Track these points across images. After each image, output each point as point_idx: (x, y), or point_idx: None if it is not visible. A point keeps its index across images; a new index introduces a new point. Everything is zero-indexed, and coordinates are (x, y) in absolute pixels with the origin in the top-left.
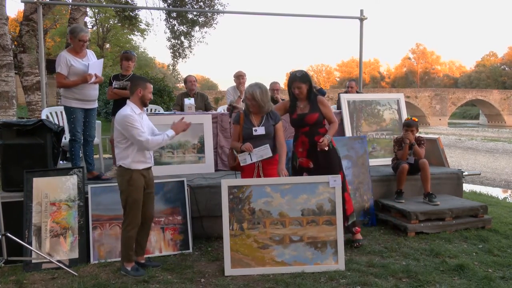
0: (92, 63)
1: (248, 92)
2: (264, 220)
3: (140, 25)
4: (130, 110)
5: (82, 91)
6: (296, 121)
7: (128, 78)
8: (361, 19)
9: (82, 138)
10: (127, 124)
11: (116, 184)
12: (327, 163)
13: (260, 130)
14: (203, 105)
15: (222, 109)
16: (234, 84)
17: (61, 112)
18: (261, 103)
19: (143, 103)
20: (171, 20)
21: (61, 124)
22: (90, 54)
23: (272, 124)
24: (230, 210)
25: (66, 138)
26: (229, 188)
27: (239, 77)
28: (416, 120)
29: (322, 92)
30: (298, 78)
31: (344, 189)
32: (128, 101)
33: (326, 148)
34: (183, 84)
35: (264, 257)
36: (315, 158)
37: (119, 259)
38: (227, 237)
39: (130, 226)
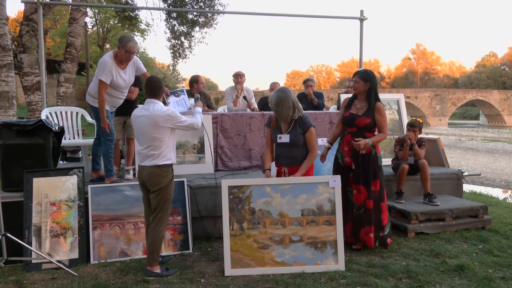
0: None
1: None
2: (264, 220)
3: (140, 26)
4: (163, 105)
5: (112, 99)
6: (347, 120)
7: None
8: (361, 20)
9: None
10: (172, 116)
11: (116, 184)
12: (365, 167)
13: (284, 138)
14: (206, 105)
15: (222, 109)
16: (233, 84)
17: (61, 112)
18: (277, 110)
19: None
20: (171, 20)
21: (61, 124)
22: (130, 66)
23: (300, 132)
24: (230, 210)
25: (66, 138)
26: (229, 188)
27: (237, 76)
28: (421, 121)
29: (318, 95)
30: (359, 73)
31: (382, 199)
32: (154, 100)
33: (361, 151)
34: (183, 85)
35: (264, 257)
36: (356, 159)
37: (119, 259)
38: (227, 237)
39: (163, 226)
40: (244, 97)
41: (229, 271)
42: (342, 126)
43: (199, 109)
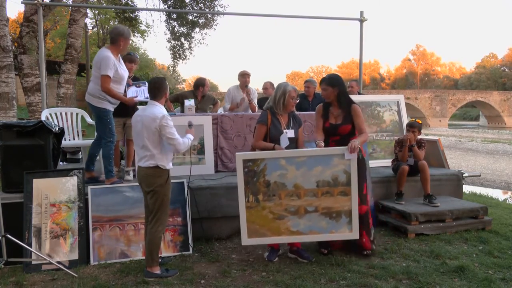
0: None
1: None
2: (279, 192)
3: (141, 27)
4: (163, 109)
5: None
6: (329, 130)
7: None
8: (361, 21)
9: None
10: (165, 124)
11: (116, 185)
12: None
13: (290, 133)
14: (208, 108)
15: (221, 110)
16: (237, 83)
17: (61, 113)
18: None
19: (164, 105)
20: (171, 21)
21: (61, 125)
22: (120, 59)
23: (297, 128)
24: (246, 183)
25: (66, 139)
26: (243, 162)
27: (245, 76)
28: (420, 122)
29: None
30: (326, 80)
31: (364, 201)
32: (154, 102)
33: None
34: (183, 86)
35: (279, 227)
36: None
37: (119, 260)
38: (243, 209)
39: (161, 227)
40: (246, 86)
41: (246, 240)
42: (323, 134)
43: (191, 136)
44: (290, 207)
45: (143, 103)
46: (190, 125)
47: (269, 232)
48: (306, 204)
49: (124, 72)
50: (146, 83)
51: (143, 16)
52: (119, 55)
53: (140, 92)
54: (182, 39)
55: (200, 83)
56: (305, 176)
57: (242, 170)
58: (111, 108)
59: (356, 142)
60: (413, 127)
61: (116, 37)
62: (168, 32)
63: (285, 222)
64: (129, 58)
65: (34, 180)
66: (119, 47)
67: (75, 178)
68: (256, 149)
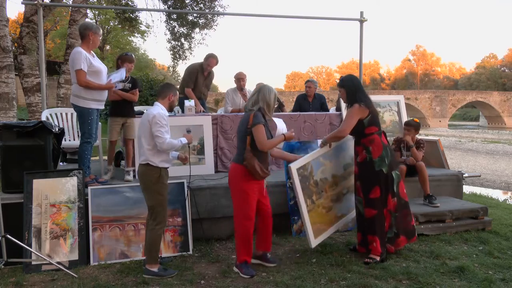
0: (116, 75)
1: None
2: (325, 187)
3: (141, 27)
4: (161, 109)
5: (100, 92)
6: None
7: (130, 80)
8: (361, 21)
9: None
10: (157, 122)
11: (116, 186)
12: (361, 175)
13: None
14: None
15: (221, 110)
16: (234, 86)
17: (61, 114)
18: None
19: (170, 108)
20: (171, 21)
21: (61, 126)
22: (93, 54)
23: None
24: (303, 189)
25: (66, 140)
26: (297, 171)
27: (240, 79)
28: (417, 121)
29: (321, 99)
30: (339, 82)
31: (384, 205)
32: (157, 102)
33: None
34: None
35: (331, 217)
36: (357, 167)
37: (119, 260)
38: (306, 214)
39: (160, 225)
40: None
41: (314, 242)
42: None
43: (184, 140)
44: (333, 196)
45: (142, 104)
46: (188, 131)
47: (326, 226)
48: (341, 189)
49: (100, 64)
50: (124, 69)
51: (143, 16)
52: (93, 50)
53: (117, 75)
54: (182, 40)
55: (211, 56)
56: (337, 165)
57: (298, 179)
58: (95, 106)
59: (324, 138)
60: (409, 125)
61: (85, 32)
62: (168, 33)
63: (334, 211)
64: (124, 58)
65: (34, 181)
66: (89, 41)
67: (75, 178)
68: (270, 149)
